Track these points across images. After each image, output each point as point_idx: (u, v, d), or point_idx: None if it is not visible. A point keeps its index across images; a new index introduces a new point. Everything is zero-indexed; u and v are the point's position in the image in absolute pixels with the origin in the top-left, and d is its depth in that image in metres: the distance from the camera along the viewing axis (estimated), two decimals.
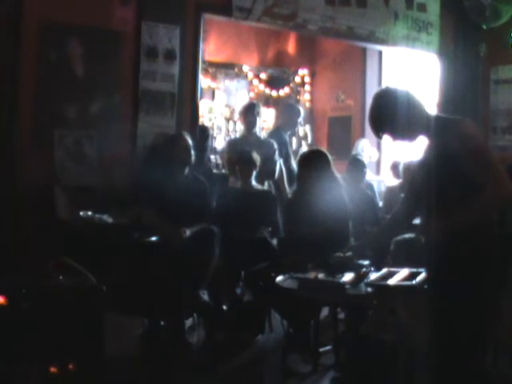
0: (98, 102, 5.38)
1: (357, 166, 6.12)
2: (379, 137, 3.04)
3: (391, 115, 2.91)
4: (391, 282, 3.46)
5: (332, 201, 4.63)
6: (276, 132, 6.97)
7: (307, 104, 9.57)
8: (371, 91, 8.29)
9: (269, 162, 6.08)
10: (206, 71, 8.29)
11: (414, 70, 8.57)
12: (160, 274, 4.63)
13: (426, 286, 3.20)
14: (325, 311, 4.86)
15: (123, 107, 5.49)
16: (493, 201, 2.74)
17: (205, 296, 4.95)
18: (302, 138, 9.03)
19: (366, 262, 3.73)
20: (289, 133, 6.98)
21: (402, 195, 3.63)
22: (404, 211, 3.20)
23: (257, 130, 6.51)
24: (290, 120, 6.98)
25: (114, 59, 5.44)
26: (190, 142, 5.21)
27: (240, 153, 5.59)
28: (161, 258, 4.68)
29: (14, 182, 4.96)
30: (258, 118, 6.37)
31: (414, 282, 3.38)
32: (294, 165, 6.40)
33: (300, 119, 6.94)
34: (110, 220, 4.96)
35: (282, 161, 6.43)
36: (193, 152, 5.23)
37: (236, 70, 9.14)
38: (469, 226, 2.76)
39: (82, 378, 3.19)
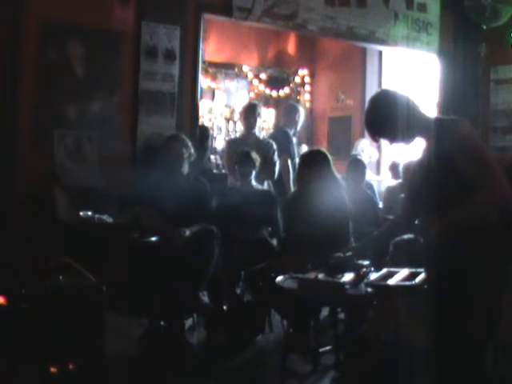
0: (98, 102, 5.38)
1: (357, 166, 6.11)
2: (375, 140, 3.03)
3: (388, 119, 2.89)
4: (391, 282, 3.46)
5: (332, 201, 4.63)
6: (282, 131, 6.97)
7: (307, 104, 9.57)
8: (371, 91, 8.29)
9: (268, 162, 6.08)
10: (206, 71, 8.29)
11: (414, 69, 8.58)
12: (160, 274, 4.63)
13: (425, 286, 3.20)
14: (325, 311, 4.86)
15: (123, 107, 5.50)
16: (489, 200, 2.74)
17: (205, 298, 4.95)
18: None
19: (366, 262, 3.73)
20: (292, 131, 7.00)
21: (402, 195, 3.64)
22: (405, 213, 3.20)
23: (256, 130, 6.52)
24: (290, 120, 6.98)
25: (114, 59, 5.44)
26: (187, 142, 5.20)
27: (239, 153, 5.59)
28: (161, 258, 4.68)
29: (14, 182, 4.97)
30: (258, 119, 6.37)
31: (413, 282, 3.38)
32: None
33: (300, 118, 6.95)
34: (109, 220, 4.96)
35: (289, 160, 6.44)
36: (193, 151, 5.23)
37: (236, 70, 9.14)
38: (467, 226, 2.76)
39: (82, 378, 3.20)
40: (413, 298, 3.28)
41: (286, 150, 6.44)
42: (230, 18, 6.04)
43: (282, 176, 6.38)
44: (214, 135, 8.66)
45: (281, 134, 6.77)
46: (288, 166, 6.43)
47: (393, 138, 2.95)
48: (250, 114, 6.32)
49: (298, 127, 7.07)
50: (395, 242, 4.01)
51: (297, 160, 6.55)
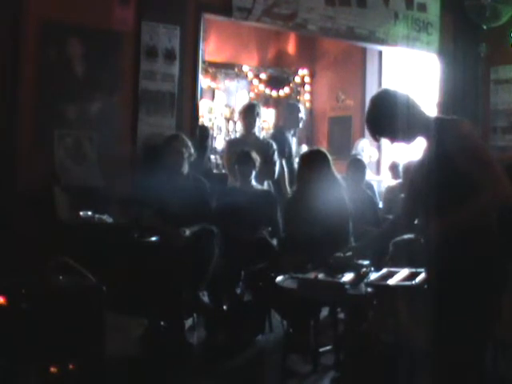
0: (98, 102, 5.38)
1: (357, 166, 6.11)
2: (377, 140, 3.03)
3: (390, 118, 2.89)
4: (391, 281, 3.46)
5: (332, 201, 4.63)
6: (279, 132, 6.98)
7: (307, 104, 9.57)
8: (371, 91, 8.29)
9: (268, 162, 6.08)
10: (206, 71, 8.29)
11: (414, 69, 8.58)
12: (160, 274, 4.63)
13: (425, 286, 3.20)
14: (325, 311, 4.86)
15: (123, 107, 5.50)
16: (491, 200, 2.74)
17: (205, 298, 4.95)
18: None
19: (366, 262, 3.73)
20: (292, 131, 7.01)
21: (402, 195, 3.64)
22: (404, 213, 3.20)
23: (256, 130, 6.52)
24: (291, 118, 6.99)
25: (114, 59, 5.44)
26: (187, 142, 5.21)
27: (239, 153, 5.59)
28: (161, 258, 4.68)
29: (14, 182, 4.97)
30: (257, 119, 6.37)
31: (413, 282, 3.38)
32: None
33: (301, 115, 6.96)
34: (110, 220, 4.96)
35: (284, 161, 6.44)
36: (193, 151, 5.24)
37: (236, 69, 9.14)
38: (467, 226, 2.76)
39: (82, 378, 3.19)
40: (413, 297, 3.28)
41: (281, 150, 6.45)
42: (229, 18, 6.04)
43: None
44: (214, 135, 8.66)
45: (278, 134, 6.80)
46: (283, 165, 6.44)
47: (393, 138, 2.96)
48: (248, 114, 6.32)
49: (300, 125, 7.08)
50: (395, 241, 4.01)
51: (294, 160, 6.58)
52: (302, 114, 7.02)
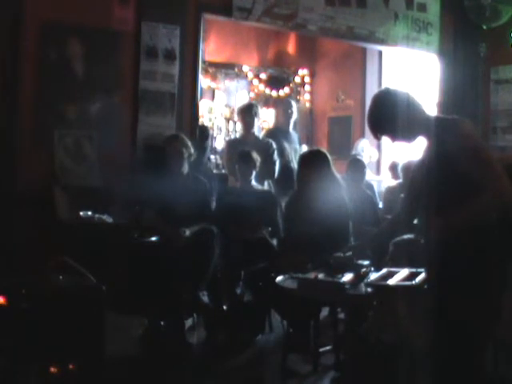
0: (97, 102, 5.38)
1: (357, 166, 6.11)
2: (378, 138, 3.04)
3: (391, 117, 2.90)
4: (391, 282, 3.46)
5: (332, 201, 4.63)
6: (271, 133, 7.02)
7: (307, 104, 9.57)
8: (371, 91, 8.28)
9: (268, 162, 6.08)
10: (206, 71, 8.29)
11: (414, 69, 8.57)
12: (160, 273, 4.63)
13: (425, 286, 3.20)
14: (325, 311, 4.86)
15: (123, 107, 5.50)
16: (491, 200, 2.74)
17: (205, 297, 4.95)
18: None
19: (366, 262, 3.73)
20: (292, 128, 7.03)
21: (402, 195, 3.63)
22: (404, 211, 3.21)
23: (255, 130, 6.52)
24: (285, 114, 6.99)
25: (114, 59, 5.44)
26: (187, 142, 5.21)
27: (239, 153, 5.59)
28: (161, 258, 4.68)
29: (14, 182, 4.97)
30: (255, 119, 6.37)
31: (413, 282, 3.38)
32: (294, 164, 6.41)
33: (292, 110, 6.95)
34: (110, 220, 4.97)
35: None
36: (193, 151, 5.24)
37: (236, 69, 9.14)
38: (468, 226, 2.76)
39: (82, 378, 3.20)
40: (413, 298, 3.28)
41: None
42: (229, 18, 6.04)
43: None
44: (214, 135, 8.66)
45: (270, 137, 6.81)
46: None
47: (394, 136, 2.96)
48: (246, 114, 6.32)
49: (292, 121, 7.07)
50: (395, 241, 4.01)
51: (288, 158, 6.59)
52: (294, 109, 7.02)
